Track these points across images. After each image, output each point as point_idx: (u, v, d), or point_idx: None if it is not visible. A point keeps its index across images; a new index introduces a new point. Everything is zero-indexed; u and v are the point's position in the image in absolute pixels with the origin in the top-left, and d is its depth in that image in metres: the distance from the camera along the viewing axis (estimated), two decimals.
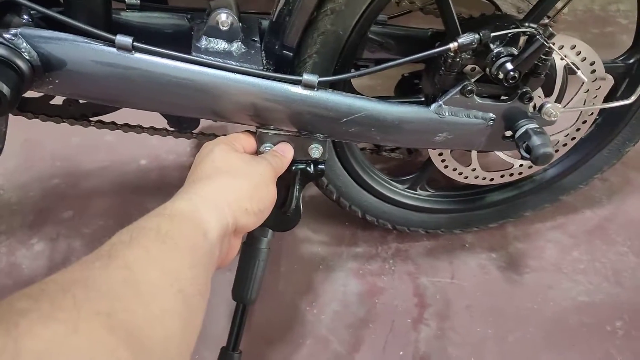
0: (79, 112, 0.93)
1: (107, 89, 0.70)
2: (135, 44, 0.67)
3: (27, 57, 0.66)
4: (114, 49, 0.67)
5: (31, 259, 1.13)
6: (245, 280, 0.77)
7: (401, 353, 0.95)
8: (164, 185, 1.28)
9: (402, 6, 0.91)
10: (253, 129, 0.75)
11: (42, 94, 0.89)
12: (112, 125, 0.96)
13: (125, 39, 0.66)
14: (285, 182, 0.76)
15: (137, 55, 0.68)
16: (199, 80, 0.69)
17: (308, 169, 0.78)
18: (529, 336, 0.98)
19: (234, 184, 0.59)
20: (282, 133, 0.73)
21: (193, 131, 0.99)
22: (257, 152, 0.73)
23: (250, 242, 0.78)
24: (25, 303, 0.33)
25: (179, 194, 0.56)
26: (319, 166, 0.78)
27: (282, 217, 0.77)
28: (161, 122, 0.98)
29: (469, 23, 0.85)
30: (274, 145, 0.73)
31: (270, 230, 0.78)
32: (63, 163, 1.35)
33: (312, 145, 0.76)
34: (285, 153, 0.73)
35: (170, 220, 0.49)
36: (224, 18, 0.73)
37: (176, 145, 1.40)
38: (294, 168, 0.76)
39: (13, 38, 0.66)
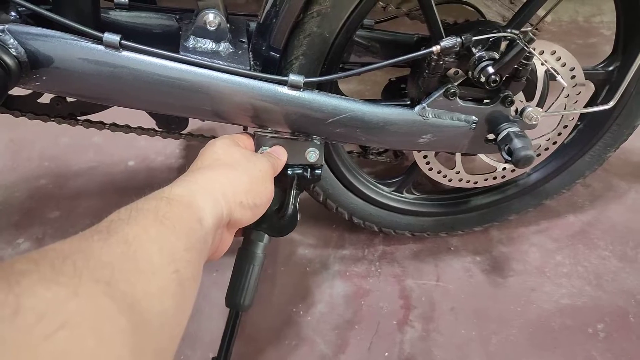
0: (66, 111, 0.93)
1: (95, 86, 0.70)
2: (123, 42, 0.67)
3: (14, 54, 0.67)
4: (101, 47, 0.68)
5: None
6: (239, 286, 0.73)
7: (386, 354, 0.96)
8: (151, 186, 1.27)
9: (388, 11, 0.93)
10: (252, 131, 0.76)
11: (29, 91, 0.90)
12: (100, 125, 0.96)
13: (113, 37, 0.67)
14: (282, 187, 0.77)
15: (125, 53, 0.68)
16: (186, 79, 0.69)
17: (305, 173, 0.78)
18: (513, 338, 0.99)
19: (232, 175, 0.59)
20: (278, 136, 0.75)
21: (181, 132, 0.99)
22: None
23: (246, 246, 0.75)
24: (26, 265, 0.33)
25: (178, 180, 0.57)
26: (316, 171, 0.79)
27: (278, 222, 0.76)
28: (149, 123, 0.98)
29: (453, 28, 0.87)
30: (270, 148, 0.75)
31: (266, 235, 0.75)
32: (50, 163, 1.35)
33: (309, 149, 0.77)
34: (279, 155, 0.74)
35: (168, 203, 0.49)
36: (211, 18, 0.74)
37: (164, 147, 1.40)
38: (290, 173, 0.77)
39: (0, 34, 0.66)
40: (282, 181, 0.76)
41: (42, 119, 0.92)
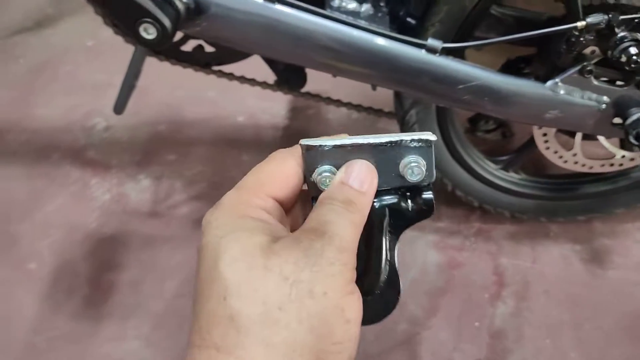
0: (204, 60, 1.01)
1: (247, 35, 0.76)
2: None
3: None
4: (261, 0, 0.74)
5: (138, 191, 1.24)
6: None
7: (476, 324, 0.98)
8: (258, 141, 1.36)
9: None
10: (295, 150, 0.37)
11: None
12: (231, 76, 1.03)
13: None
14: (365, 234, 0.36)
15: (279, 6, 0.74)
16: (332, 36, 0.74)
17: (403, 203, 0.38)
18: (606, 327, 0.98)
19: (277, 350, 0.29)
20: (347, 143, 0.36)
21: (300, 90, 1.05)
22: (310, 184, 0.37)
23: None
24: None
25: None
26: (425, 195, 0.38)
27: (366, 300, 0.35)
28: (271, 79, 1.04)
29: (590, 8, 0.86)
30: (340, 168, 0.36)
31: None
32: (168, 111, 1.46)
33: (408, 160, 0.36)
34: (363, 182, 0.35)
35: None
36: None
37: (271, 106, 1.47)
38: (378, 206, 0.38)
39: None
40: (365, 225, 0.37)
41: (182, 65, 1.01)
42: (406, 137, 0.35)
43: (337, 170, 0.36)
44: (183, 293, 1.08)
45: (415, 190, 0.38)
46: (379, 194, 0.37)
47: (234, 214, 0.33)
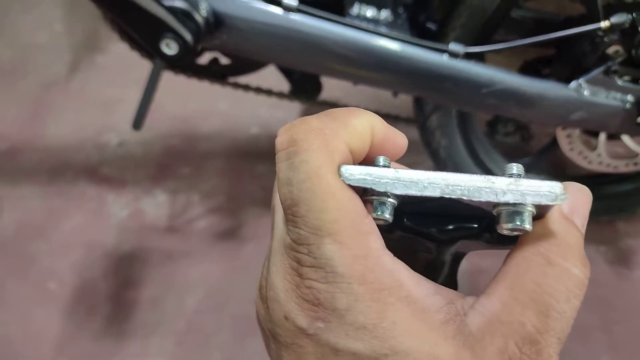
0: (220, 72, 1.01)
1: (269, 46, 0.76)
2: (299, 6, 0.73)
3: (205, 14, 0.74)
4: (279, 10, 0.73)
5: (155, 206, 1.24)
6: None
7: None
8: (272, 152, 1.35)
9: None
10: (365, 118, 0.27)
11: None
12: (246, 88, 1.03)
13: (291, 1, 0.73)
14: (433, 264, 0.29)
15: (299, 16, 0.74)
16: (353, 44, 0.74)
17: (482, 234, 0.27)
18: (637, 329, 0.96)
19: None
20: (431, 194, 0.23)
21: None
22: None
23: None
24: None
25: None
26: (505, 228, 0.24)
27: None
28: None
29: (610, 9, 0.85)
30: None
31: None
32: (181, 124, 1.46)
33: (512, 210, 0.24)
34: (579, 210, 0.26)
35: None
36: None
37: (284, 117, 1.47)
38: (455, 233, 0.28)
39: None
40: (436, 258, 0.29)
41: (198, 77, 1.01)
42: (515, 197, 0.22)
43: (392, 199, 0.23)
44: (203, 309, 1.07)
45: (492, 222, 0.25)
46: (449, 218, 0.26)
47: (360, 269, 0.22)
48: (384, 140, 0.25)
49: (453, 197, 0.23)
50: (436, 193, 0.23)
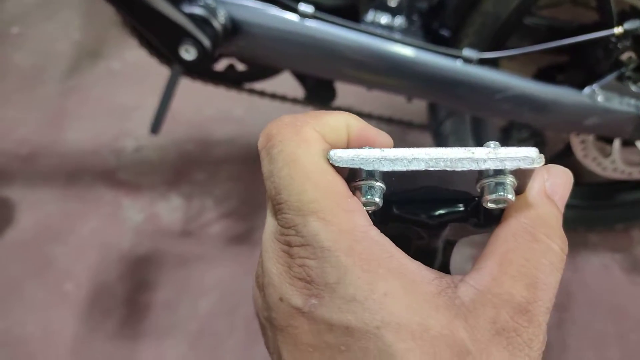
0: (235, 78, 1.02)
1: (285, 52, 0.78)
2: (315, 12, 0.74)
3: (223, 21, 0.76)
4: (296, 17, 0.75)
5: (170, 211, 1.25)
6: None
7: None
8: None
9: None
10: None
11: None
12: (262, 94, 1.05)
13: (307, 8, 0.74)
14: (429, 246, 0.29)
15: (315, 23, 0.75)
16: (369, 50, 0.75)
17: (469, 218, 0.27)
18: None
19: None
20: (403, 169, 0.24)
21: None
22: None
23: None
24: None
25: None
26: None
27: None
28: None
29: (621, 16, 0.86)
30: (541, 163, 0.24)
31: None
32: (196, 130, 1.48)
33: (493, 181, 0.26)
34: (560, 191, 0.27)
35: None
36: None
37: None
38: (436, 223, 0.28)
39: (212, 2, 0.76)
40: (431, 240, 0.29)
41: (214, 83, 1.03)
42: (495, 163, 0.23)
43: (380, 182, 0.25)
44: (216, 312, 1.08)
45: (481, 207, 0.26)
46: (436, 202, 0.27)
47: (347, 242, 0.22)
48: (360, 137, 0.26)
49: (437, 169, 0.23)
50: (421, 166, 0.23)
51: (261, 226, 1.21)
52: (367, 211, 0.25)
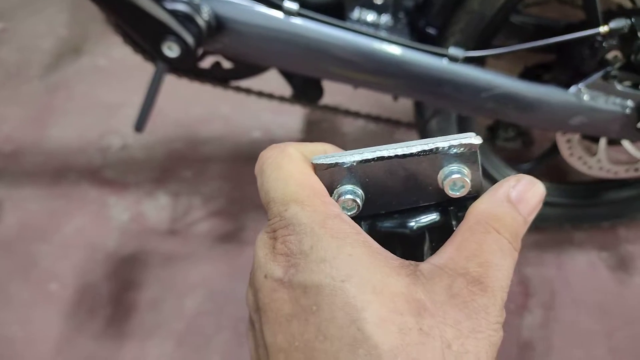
0: (221, 76, 1.01)
1: (270, 50, 0.77)
2: (300, 10, 0.73)
3: (207, 18, 0.75)
4: (281, 14, 0.74)
5: (156, 209, 1.24)
6: None
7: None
8: None
9: None
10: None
11: None
12: (248, 92, 1.04)
13: (292, 5, 0.73)
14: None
15: (300, 20, 0.74)
16: (355, 48, 0.74)
17: (446, 221, 0.31)
18: (638, 335, 0.96)
19: None
20: (370, 157, 0.28)
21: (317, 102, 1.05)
22: None
23: None
24: None
25: None
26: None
27: None
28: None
29: (611, 14, 0.86)
30: (505, 181, 0.29)
31: None
32: (183, 128, 1.46)
33: (448, 170, 0.28)
34: (532, 212, 0.28)
35: None
36: None
37: (286, 121, 1.48)
38: (415, 228, 0.30)
39: (196, 0, 0.75)
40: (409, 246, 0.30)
41: (200, 81, 1.02)
42: (443, 143, 0.27)
43: (359, 189, 0.29)
44: (204, 311, 1.07)
45: (459, 203, 0.29)
46: (413, 213, 0.30)
47: (320, 218, 0.26)
48: None
49: (398, 154, 0.28)
50: (383, 153, 0.28)
51: (249, 225, 1.21)
52: (350, 215, 0.28)
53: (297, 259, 0.25)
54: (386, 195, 0.29)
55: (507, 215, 0.26)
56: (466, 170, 0.28)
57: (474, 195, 0.29)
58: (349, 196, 0.28)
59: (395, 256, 0.26)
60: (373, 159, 0.28)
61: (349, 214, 0.28)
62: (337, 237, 0.25)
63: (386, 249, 0.27)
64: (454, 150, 0.28)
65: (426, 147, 0.28)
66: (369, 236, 0.26)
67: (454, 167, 0.28)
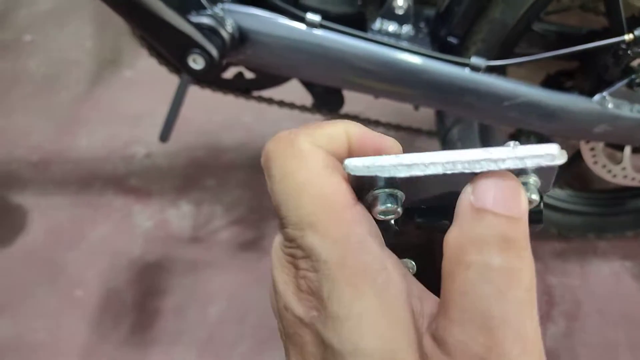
0: (244, 86, 1.03)
1: (293, 61, 0.78)
2: (322, 21, 0.74)
3: (230, 30, 0.76)
4: (303, 26, 0.75)
5: (179, 217, 1.26)
6: None
7: None
8: None
9: (562, 3, 0.92)
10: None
11: None
12: (270, 101, 1.05)
13: (314, 17, 0.74)
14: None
15: (322, 32, 0.75)
16: (377, 59, 0.75)
17: None
18: None
19: None
20: (420, 174, 0.23)
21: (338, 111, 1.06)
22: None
23: None
24: None
25: None
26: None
27: None
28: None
29: (631, 21, 0.85)
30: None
31: None
32: (206, 137, 1.49)
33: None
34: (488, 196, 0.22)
35: None
36: (400, 3, 0.79)
37: None
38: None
39: (219, 12, 0.76)
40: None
41: (223, 91, 1.03)
42: (519, 159, 0.22)
43: (399, 190, 0.24)
44: (225, 319, 1.08)
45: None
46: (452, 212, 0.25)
47: (340, 253, 0.22)
48: (363, 144, 0.25)
49: (455, 172, 0.22)
50: (438, 170, 0.22)
51: (270, 234, 1.22)
52: (388, 220, 0.25)
53: (317, 303, 0.22)
54: (429, 199, 0.25)
55: (479, 230, 0.21)
56: (537, 182, 0.23)
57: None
58: (389, 205, 0.24)
59: (413, 295, 0.23)
60: (423, 177, 0.23)
61: (385, 218, 0.25)
62: (352, 284, 0.22)
63: (428, 244, 0.25)
64: (533, 165, 0.22)
65: (494, 168, 0.22)
66: (394, 266, 0.23)
67: (525, 178, 0.23)
